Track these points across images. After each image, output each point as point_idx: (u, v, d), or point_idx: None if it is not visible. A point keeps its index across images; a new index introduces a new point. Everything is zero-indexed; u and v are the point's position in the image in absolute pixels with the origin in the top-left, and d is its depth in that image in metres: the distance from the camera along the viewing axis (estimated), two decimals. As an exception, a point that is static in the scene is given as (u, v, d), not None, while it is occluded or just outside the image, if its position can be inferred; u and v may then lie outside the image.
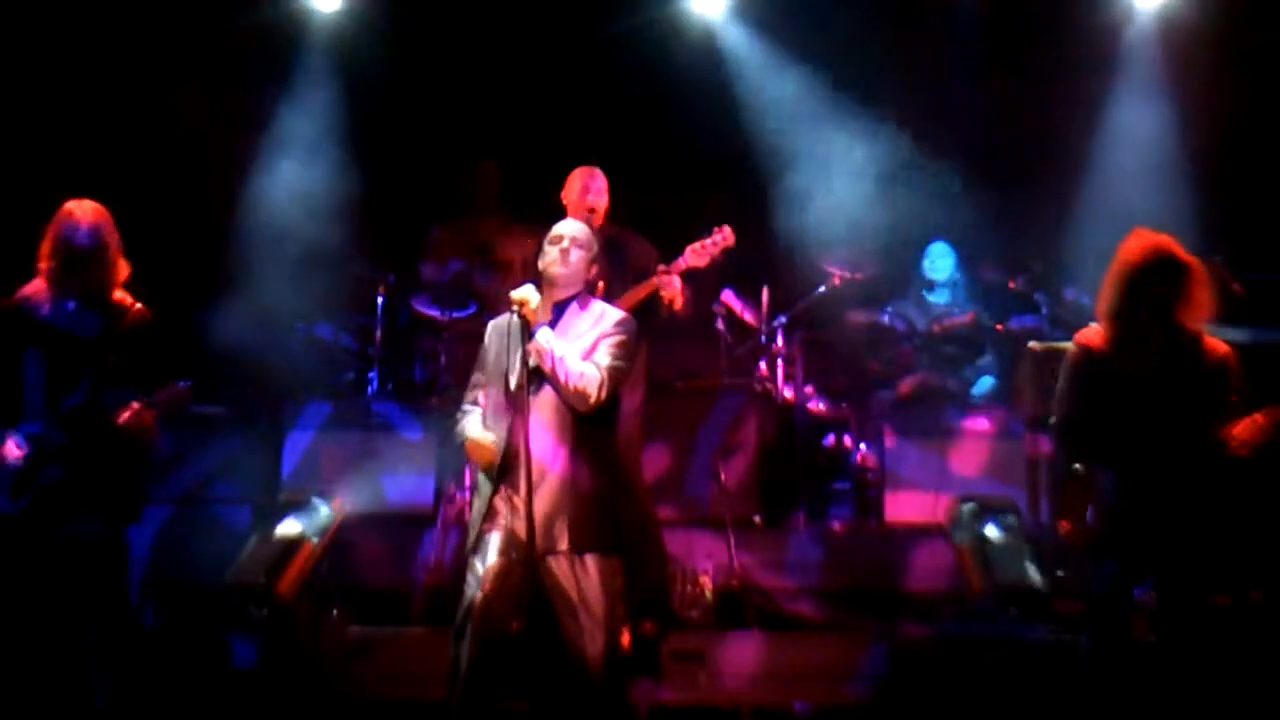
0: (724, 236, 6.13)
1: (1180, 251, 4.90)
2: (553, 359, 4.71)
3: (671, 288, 6.08)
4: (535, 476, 4.66)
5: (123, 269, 5.27)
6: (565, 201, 6.23)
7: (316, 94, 8.36)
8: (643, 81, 8.33)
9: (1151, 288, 4.88)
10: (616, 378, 4.79)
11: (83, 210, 5.21)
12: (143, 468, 5.25)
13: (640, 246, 6.33)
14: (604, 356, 4.79)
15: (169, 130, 8.14)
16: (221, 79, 8.18)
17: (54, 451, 5.06)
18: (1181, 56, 7.99)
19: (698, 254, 6.12)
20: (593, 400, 4.72)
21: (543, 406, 4.74)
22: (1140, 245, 4.93)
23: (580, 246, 4.89)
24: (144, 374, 5.14)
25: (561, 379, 4.71)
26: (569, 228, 4.95)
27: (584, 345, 4.80)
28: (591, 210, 6.13)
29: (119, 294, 5.22)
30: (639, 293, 6.05)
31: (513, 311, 4.75)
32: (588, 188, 6.22)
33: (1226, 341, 4.94)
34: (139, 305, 5.22)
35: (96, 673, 5.05)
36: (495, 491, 4.75)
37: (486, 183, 8.08)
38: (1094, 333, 4.98)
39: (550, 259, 4.87)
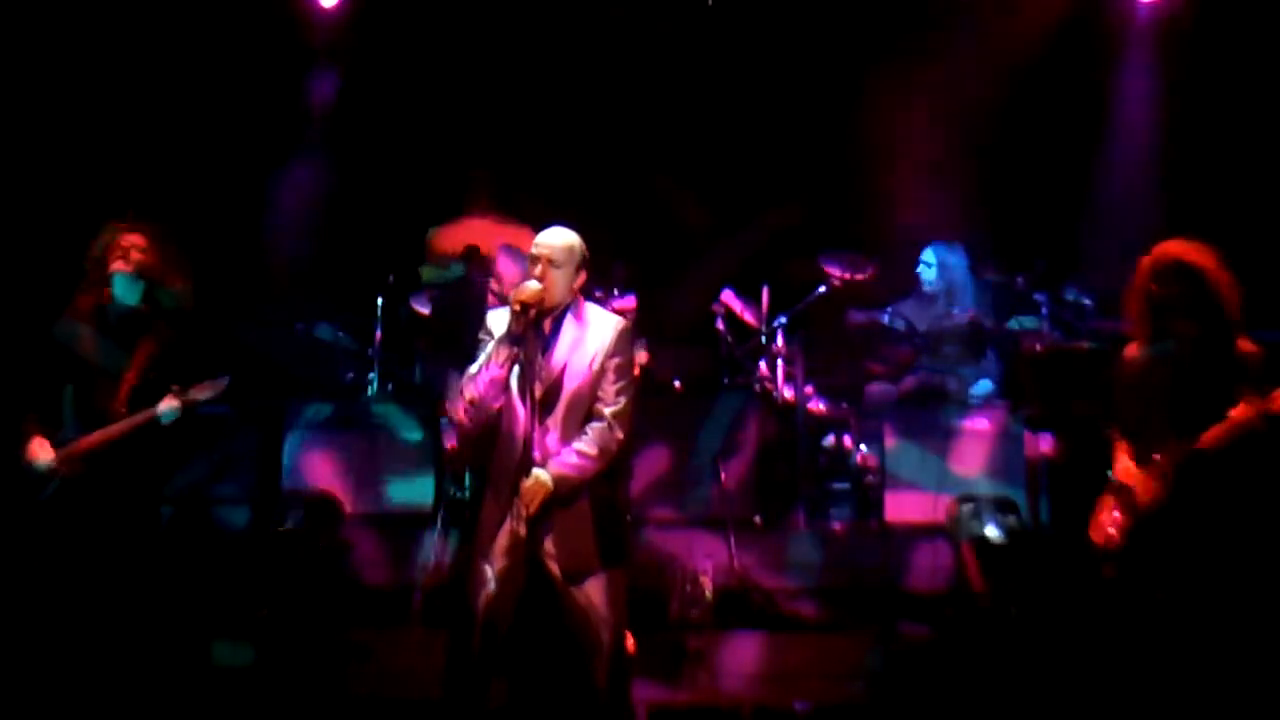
0: None
1: (1191, 254, 4.93)
2: (565, 486, 4.69)
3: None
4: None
5: (173, 284, 5.47)
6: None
7: (316, 93, 8.38)
8: (638, 80, 8.34)
9: (1158, 292, 4.94)
10: (630, 413, 4.80)
11: (127, 252, 5.36)
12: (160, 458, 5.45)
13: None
14: (611, 400, 4.77)
15: (165, 130, 8.15)
16: (218, 76, 8.20)
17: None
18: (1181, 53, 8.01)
19: None
20: (622, 446, 4.77)
21: (551, 416, 4.74)
22: (1151, 252, 5.00)
23: (559, 263, 4.79)
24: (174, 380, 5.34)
25: (591, 475, 4.72)
26: (544, 243, 4.83)
27: (584, 358, 4.78)
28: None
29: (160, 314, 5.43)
30: None
31: (518, 314, 4.69)
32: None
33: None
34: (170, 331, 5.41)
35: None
36: (501, 495, 4.75)
37: (480, 187, 8.05)
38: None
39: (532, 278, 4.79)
